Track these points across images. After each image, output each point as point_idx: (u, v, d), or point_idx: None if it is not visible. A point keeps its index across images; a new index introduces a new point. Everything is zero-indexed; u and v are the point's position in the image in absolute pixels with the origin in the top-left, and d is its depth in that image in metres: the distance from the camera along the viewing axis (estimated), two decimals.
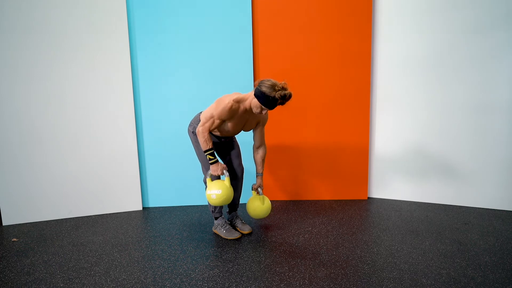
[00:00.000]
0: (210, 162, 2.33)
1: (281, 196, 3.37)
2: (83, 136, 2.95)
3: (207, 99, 3.11)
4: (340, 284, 1.90)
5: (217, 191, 2.29)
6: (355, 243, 2.40)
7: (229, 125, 2.33)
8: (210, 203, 2.40)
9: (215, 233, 2.60)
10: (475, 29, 2.85)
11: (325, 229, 2.64)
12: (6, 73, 2.74)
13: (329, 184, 3.32)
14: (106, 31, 2.88)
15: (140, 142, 3.13)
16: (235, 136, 2.69)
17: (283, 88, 2.10)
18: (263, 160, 2.60)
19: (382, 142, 3.27)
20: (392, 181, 3.30)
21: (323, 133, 3.24)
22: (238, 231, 2.60)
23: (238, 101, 2.25)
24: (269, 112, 3.17)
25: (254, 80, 3.16)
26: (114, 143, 3.02)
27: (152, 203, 3.25)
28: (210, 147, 2.30)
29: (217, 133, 2.42)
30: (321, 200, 3.33)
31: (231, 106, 2.21)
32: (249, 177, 3.21)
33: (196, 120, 2.49)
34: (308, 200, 3.34)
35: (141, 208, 3.18)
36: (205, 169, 2.51)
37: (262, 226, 2.73)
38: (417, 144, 3.17)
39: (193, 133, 2.49)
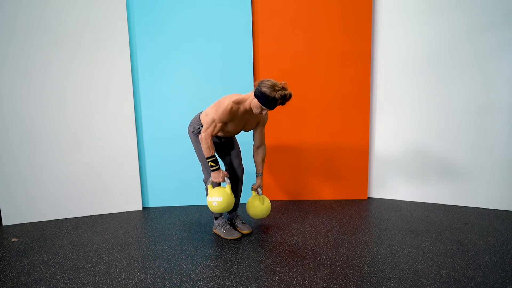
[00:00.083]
0: (212, 169, 2.35)
1: (281, 196, 3.37)
2: (83, 136, 2.95)
3: (207, 99, 3.11)
4: (340, 284, 1.90)
5: (218, 198, 2.31)
6: (355, 243, 2.40)
7: (229, 126, 2.33)
8: (211, 210, 2.41)
9: (215, 233, 2.60)
10: (475, 29, 2.85)
11: (325, 229, 2.64)
12: (6, 73, 2.74)
13: (329, 184, 3.32)
14: (106, 31, 2.88)
15: (140, 142, 3.13)
16: (235, 136, 2.69)
17: (283, 88, 2.10)
18: (263, 160, 2.60)
19: (382, 142, 3.27)
20: (392, 181, 3.30)
21: (323, 133, 3.24)
22: (238, 231, 2.60)
23: (238, 102, 2.25)
24: (269, 112, 3.17)
25: (254, 80, 3.16)
26: (114, 143, 3.02)
27: (152, 203, 3.25)
28: (213, 154, 2.31)
29: (218, 133, 2.42)
30: (321, 200, 3.33)
31: (231, 108, 2.21)
32: (249, 177, 3.21)
33: (196, 120, 2.49)
34: (308, 200, 3.34)
35: (141, 208, 3.18)
36: (205, 169, 2.51)
37: (262, 226, 2.73)
38: (417, 144, 3.17)
39: (193, 133, 2.49)
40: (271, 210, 3.07)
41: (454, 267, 2.05)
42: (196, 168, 3.18)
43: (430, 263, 2.11)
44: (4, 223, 2.88)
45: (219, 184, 2.45)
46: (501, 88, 2.85)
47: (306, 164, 3.30)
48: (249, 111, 2.30)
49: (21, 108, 2.80)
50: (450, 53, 2.95)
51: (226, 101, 2.22)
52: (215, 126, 2.27)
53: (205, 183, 2.56)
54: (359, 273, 2.01)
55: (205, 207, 3.20)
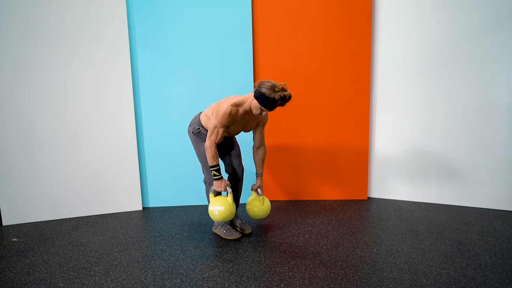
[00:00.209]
0: (214, 178, 2.36)
1: (281, 196, 3.37)
2: (83, 136, 2.95)
3: (207, 99, 3.11)
4: (340, 284, 1.90)
5: (219, 208, 2.32)
6: (355, 243, 2.40)
7: (230, 127, 2.33)
8: (213, 219, 2.42)
9: (215, 233, 2.60)
10: (476, 29, 2.85)
11: (325, 229, 2.64)
12: (6, 73, 2.74)
13: (329, 184, 3.32)
14: (106, 31, 2.88)
15: (140, 142, 3.13)
16: (235, 136, 2.69)
17: (283, 89, 2.10)
18: (263, 161, 2.60)
19: (382, 142, 3.27)
20: (392, 181, 3.30)
21: (323, 133, 3.24)
22: (238, 231, 2.60)
23: (237, 104, 2.25)
24: (269, 112, 3.17)
25: (254, 80, 3.16)
26: (114, 143, 3.02)
27: (152, 203, 3.25)
28: (217, 163, 2.32)
29: None
30: (321, 200, 3.33)
31: (230, 111, 2.22)
32: (249, 177, 3.21)
33: (196, 121, 2.49)
34: (308, 200, 3.34)
35: (141, 208, 3.18)
36: (205, 169, 2.52)
37: (262, 226, 2.73)
38: (417, 144, 3.17)
39: (193, 133, 2.49)
40: (271, 210, 3.07)
41: (454, 267, 2.05)
42: (196, 168, 3.18)
43: (430, 263, 2.11)
44: (4, 223, 2.88)
45: (220, 193, 2.46)
46: (501, 88, 2.85)
47: (306, 164, 3.30)
48: (249, 112, 2.30)
49: (21, 108, 2.80)
50: (450, 53, 2.95)
51: (224, 105, 2.22)
52: (217, 132, 2.28)
53: (205, 183, 2.57)
54: (359, 273, 2.01)
55: (205, 207, 3.20)
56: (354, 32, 3.06)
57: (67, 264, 2.19)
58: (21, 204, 2.88)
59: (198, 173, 3.19)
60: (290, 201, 3.33)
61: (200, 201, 3.27)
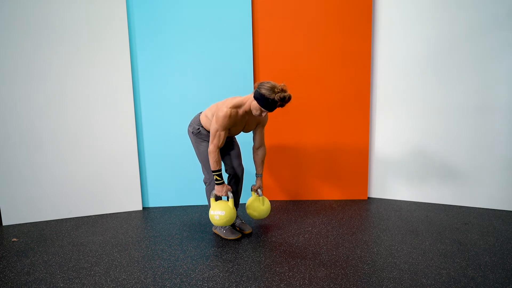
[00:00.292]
0: (216, 182, 2.36)
1: (281, 196, 3.37)
2: (83, 136, 2.95)
3: (207, 99, 3.11)
4: (340, 284, 1.90)
5: (220, 212, 2.33)
6: (355, 243, 2.40)
7: (230, 128, 2.34)
8: (213, 224, 2.42)
9: (215, 233, 2.60)
10: (475, 29, 2.85)
11: (325, 229, 2.64)
12: (6, 73, 2.74)
13: (329, 184, 3.33)
14: (106, 31, 2.88)
15: (140, 142, 3.13)
16: (235, 136, 2.69)
17: (283, 90, 2.10)
18: (262, 161, 2.61)
19: (382, 142, 3.27)
20: (392, 181, 3.30)
21: (323, 133, 3.24)
22: (238, 231, 2.60)
23: (237, 106, 2.25)
24: (269, 113, 3.16)
25: (254, 80, 3.16)
26: (114, 143, 3.02)
27: (152, 203, 3.25)
28: (219, 168, 2.33)
29: None
30: (321, 200, 3.33)
31: (230, 113, 2.22)
32: (249, 177, 3.21)
33: (196, 121, 2.50)
34: (308, 200, 3.34)
35: (141, 208, 3.18)
36: (205, 169, 2.52)
37: (262, 226, 2.73)
38: (417, 144, 3.17)
39: (192, 134, 2.50)
40: (271, 210, 3.07)
41: (454, 267, 2.05)
42: (196, 168, 3.18)
43: (430, 263, 2.11)
44: (4, 223, 2.88)
45: (221, 197, 2.46)
46: (501, 88, 2.85)
47: (306, 164, 3.30)
48: (248, 112, 2.30)
49: (21, 108, 2.79)
50: (450, 53, 2.95)
51: (224, 109, 2.23)
52: (220, 136, 2.28)
53: (205, 183, 2.57)
54: (359, 273, 2.01)
55: (205, 207, 3.20)
56: (354, 32, 3.06)
57: (67, 264, 2.19)
58: (21, 204, 2.88)
59: (198, 173, 3.19)
60: (290, 201, 3.33)
61: (200, 201, 3.27)
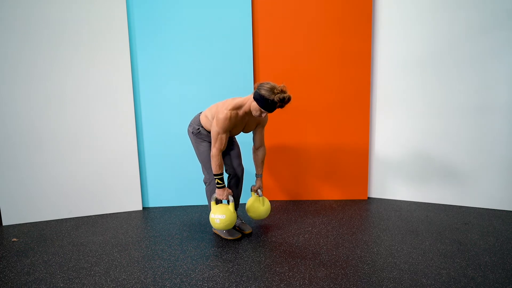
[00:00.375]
0: (217, 186, 2.37)
1: (281, 196, 3.37)
2: (83, 136, 2.95)
3: (207, 99, 3.11)
4: (340, 284, 1.90)
5: (221, 216, 2.34)
6: (355, 243, 2.40)
7: (231, 130, 2.34)
8: (213, 227, 2.42)
9: (215, 233, 2.60)
10: (475, 29, 2.85)
11: (325, 229, 2.64)
12: (6, 73, 2.74)
13: (329, 184, 3.32)
14: (106, 31, 2.88)
15: (140, 142, 3.13)
16: (235, 136, 2.69)
17: (282, 91, 2.10)
18: (262, 161, 2.61)
19: (382, 142, 3.27)
20: (392, 181, 3.30)
21: (323, 133, 3.24)
22: (238, 231, 2.60)
23: (236, 107, 2.26)
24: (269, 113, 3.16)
25: (254, 80, 3.16)
26: (114, 143, 3.02)
27: (152, 203, 3.25)
28: (221, 172, 2.33)
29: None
30: (321, 200, 3.33)
31: (230, 115, 2.22)
32: (249, 177, 3.21)
33: (196, 121, 2.50)
34: (308, 200, 3.34)
35: (141, 208, 3.18)
36: (205, 169, 2.52)
37: (262, 226, 2.73)
38: (417, 144, 3.17)
39: (192, 134, 2.50)
40: (271, 210, 3.07)
41: (454, 267, 2.05)
42: (196, 168, 3.18)
43: (430, 263, 2.11)
44: (4, 223, 2.88)
45: (221, 200, 2.46)
46: (501, 88, 2.85)
47: (306, 164, 3.30)
48: (248, 113, 2.31)
49: (21, 108, 2.80)
50: (450, 53, 2.95)
51: (223, 111, 2.23)
52: (222, 139, 2.28)
53: (205, 183, 2.57)
54: (359, 273, 2.01)
55: (205, 207, 3.20)
56: (354, 32, 3.06)
57: (67, 264, 2.19)
58: (21, 204, 2.88)
59: (198, 173, 3.19)
60: (290, 201, 3.33)
61: (200, 201, 3.27)
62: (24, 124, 2.81)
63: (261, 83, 2.15)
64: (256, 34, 3.11)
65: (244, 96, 2.46)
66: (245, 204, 3.20)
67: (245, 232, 2.59)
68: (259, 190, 2.60)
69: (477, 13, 2.83)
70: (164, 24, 3.01)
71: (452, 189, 3.12)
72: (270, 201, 3.32)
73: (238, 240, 2.49)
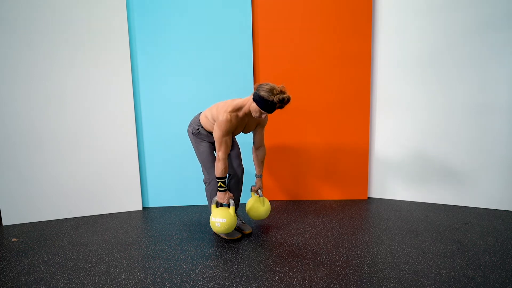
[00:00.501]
0: (219, 189, 2.36)
1: (281, 196, 3.37)
2: (83, 136, 2.95)
3: (207, 100, 3.11)
4: (340, 284, 1.90)
5: (221, 220, 2.33)
6: (355, 243, 2.40)
7: None
8: (214, 230, 2.42)
9: (215, 233, 2.60)
10: (475, 29, 2.85)
11: (325, 229, 2.64)
12: (6, 73, 2.74)
13: (329, 184, 3.33)
14: (106, 31, 2.88)
15: (140, 142, 3.13)
16: (235, 136, 2.69)
17: (282, 92, 2.10)
18: (262, 162, 2.61)
19: (382, 142, 3.27)
20: (392, 181, 3.30)
21: (323, 133, 3.24)
22: (238, 231, 2.60)
23: (236, 109, 2.26)
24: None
25: (254, 80, 3.16)
26: (114, 143, 3.02)
27: (152, 203, 3.25)
28: (225, 175, 2.33)
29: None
30: (321, 200, 3.33)
31: (230, 118, 2.23)
32: (249, 178, 3.21)
33: (195, 121, 2.50)
34: (308, 200, 3.34)
35: (141, 208, 3.18)
36: (205, 169, 2.52)
37: (262, 226, 2.73)
38: (417, 144, 3.17)
39: (192, 134, 2.50)
40: (271, 211, 3.07)
41: (454, 267, 2.05)
42: (196, 168, 3.18)
43: (430, 263, 2.11)
44: (4, 223, 2.88)
45: (222, 204, 2.46)
46: (501, 88, 2.85)
47: (306, 164, 3.30)
48: (248, 114, 2.31)
49: (21, 108, 2.80)
50: (450, 53, 2.95)
51: (223, 114, 2.23)
52: (226, 142, 2.28)
53: (205, 183, 2.57)
54: (359, 273, 2.01)
55: (205, 207, 3.20)
56: (354, 32, 3.06)
57: (67, 264, 2.19)
58: (21, 204, 2.88)
59: (198, 173, 3.19)
60: (290, 201, 3.33)
61: (200, 201, 3.27)
62: (24, 124, 2.81)
63: (260, 84, 2.15)
64: (256, 34, 3.11)
65: (244, 97, 2.46)
66: (245, 204, 3.20)
67: (245, 232, 2.59)
68: (259, 190, 2.60)
69: (477, 13, 2.83)
70: (164, 24, 3.01)
71: (452, 189, 3.12)
72: (270, 201, 3.32)
73: (238, 240, 2.49)
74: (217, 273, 2.05)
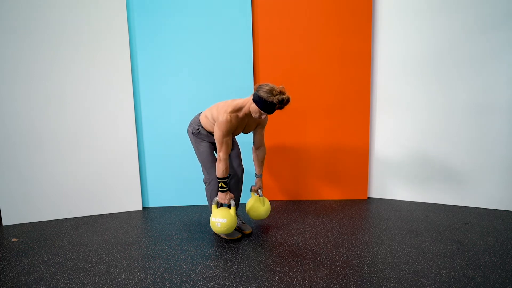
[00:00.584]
0: (220, 189, 2.36)
1: (281, 196, 3.37)
2: (83, 136, 2.95)
3: (207, 99, 3.11)
4: (340, 284, 1.90)
5: (222, 220, 2.33)
6: (355, 243, 2.40)
7: None
8: (214, 231, 2.42)
9: (215, 233, 2.60)
10: (475, 29, 2.85)
11: (325, 229, 2.64)
12: (6, 73, 2.74)
13: (329, 184, 3.32)
14: (106, 31, 2.88)
15: (140, 142, 3.13)
16: (235, 136, 2.69)
17: (281, 93, 2.10)
18: (262, 162, 2.61)
19: (382, 142, 3.27)
20: (392, 181, 3.30)
21: (323, 133, 3.24)
22: (238, 231, 2.60)
23: (236, 110, 2.26)
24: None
25: (254, 80, 3.16)
26: (114, 143, 3.02)
27: (152, 203, 3.25)
28: (226, 175, 2.33)
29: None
30: (321, 200, 3.33)
31: (230, 118, 2.23)
32: (249, 178, 3.21)
33: (195, 121, 2.50)
34: (308, 200, 3.34)
35: (141, 208, 3.18)
36: (205, 169, 2.52)
37: (262, 226, 2.73)
38: (417, 144, 3.17)
39: (192, 134, 2.50)
40: (271, 211, 3.07)
41: (454, 267, 2.05)
42: (196, 168, 3.18)
43: (430, 263, 2.11)
44: (4, 223, 2.88)
45: (222, 204, 2.46)
46: (501, 88, 2.85)
47: (306, 164, 3.30)
48: (248, 114, 2.31)
49: (21, 108, 2.80)
50: (450, 53, 2.95)
51: (223, 115, 2.23)
52: (227, 142, 2.28)
53: (205, 183, 2.57)
54: (359, 273, 2.01)
55: (205, 207, 3.20)
56: (354, 32, 3.06)
57: (67, 264, 2.19)
58: (21, 204, 2.88)
59: (198, 173, 3.19)
60: (290, 201, 3.33)
61: (200, 201, 3.27)
62: (24, 124, 2.81)
63: (260, 85, 2.15)
64: (256, 34, 3.11)
65: (244, 97, 2.46)
66: (245, 204, 3.20)
67: (245, 232, 2.59)
68: (259, 190, 2.60)
69: (477, 13, 2.83)
70: (164, 24, 3.01)
71: (452, 189, 3.12)
72: (270, 201, 3.32)
73: (238, 240, 2.49)
74: (217, 273, 2.05)
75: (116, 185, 3.08)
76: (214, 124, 2.31)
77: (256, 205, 2.57)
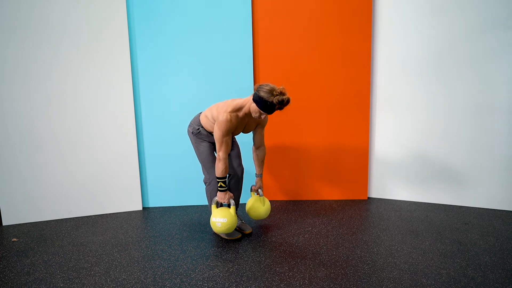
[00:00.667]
0: (220, 189, 2.36)
1: (281, 196, 3.37)
2: (83, 136, 2.95)
3: (207, 99, 3.11)
4: (340, 284, 1.90)
5: (222, 220, 2.33)
6: (355, 243, 2.40)
7: None
8: (214, 230, 2.42)
9: (215, 233, 2.60)
10: (475, 29, 2.85)
11: (325, 229, 2.64)
12: (6, 73, 2.74)
13: (329, 184, 3.32)
14: (106, 31, 2.88)
15: (140, 142, 3.13)
16: (235, 136, 2.69)
17: (281, 93, 2.10)
18: (262, 161, 2.61)
19: (382, 142, 3.27)
20: (392, 181, 3.30)
21: (323, 133, 3.24)
22: (238, 231, 2.60)
23: (236, 109, 2.26)
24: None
25: (254, 80, 3.16)
26: (114, 143, 3.02)
27: (152, 203, 3.25)
28: (226, 175, 2.33)
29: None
30: (321, 200, 3.33)
31: (230, 118, 2.23)
32: (249, 178, 3.21)
33: (195, 121, 2.50)
34: (308, 200, 3.34)
35: (141, 208, 3.18)
36: (205, 169, 2.52)
37: (262, 226, 2.73)
38: (417, 144, 3.17)
39: (192, 134, 2.50)
40: (271, 211, 3.07)
41: (454, 267, 2.05)
42: (196, 168, 3.18)
43: (430, 263, 2.11)
44: (4, 223, 2.88)
45: (222, 204, 2.46)
46: (501, 88, 2.85)
47: (306, 164, 3.30)
48: (248, 114, 2.31)
49: (21, 108, 2.80)
50: (450, 53, 2.95)
51: (223, 114, 2.23)
52: (227, 142, 2.28)
53: (205, 183, 2.57)
54: (359, 273, 2.01)
55: (205, 207, 3.20)
56: (354, 32, 3.06)
57: (67, 264, 2.19)
58: (21, 204, 2.88)
59: (198, 173, 3.19)
60: (290, 201, 3.33)
61: (200, 201, 3.27)
62: (24, 124, 2.81)
63: (260, 85, 2.15)
64: (256, 34, 3.11)
65: (244, 97, 2.46)
66: (245, 204, 3.20)
67: (245, 232, 2.59)
68: (259, 190, 2.60)
69: (477, 13, 2.83)
70: (164, 24, 3.01)
71: (452, 189, 3.12)
72: (270, 201, 3.32)
73: (238, 240, 2.49)
74: (217, 273, 2.05)
75: (116, 185, 3.08)
76: (214, 124, 2.31)
77: (256, 205, 2.57)
